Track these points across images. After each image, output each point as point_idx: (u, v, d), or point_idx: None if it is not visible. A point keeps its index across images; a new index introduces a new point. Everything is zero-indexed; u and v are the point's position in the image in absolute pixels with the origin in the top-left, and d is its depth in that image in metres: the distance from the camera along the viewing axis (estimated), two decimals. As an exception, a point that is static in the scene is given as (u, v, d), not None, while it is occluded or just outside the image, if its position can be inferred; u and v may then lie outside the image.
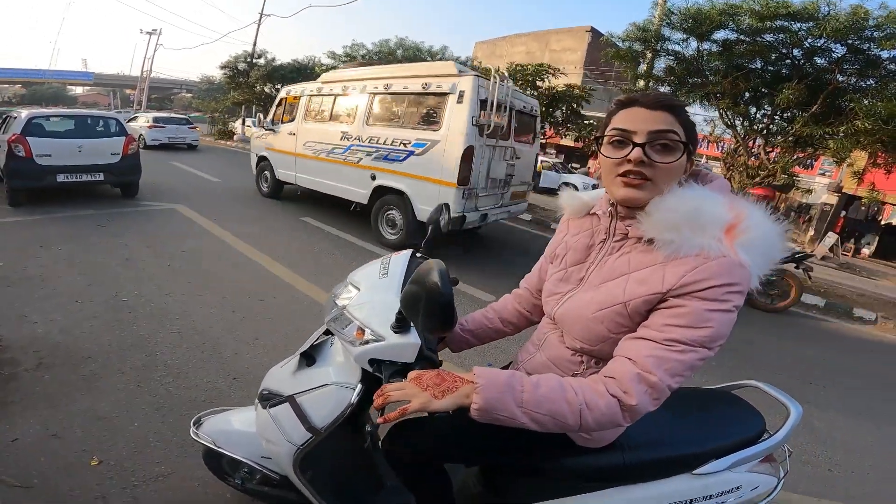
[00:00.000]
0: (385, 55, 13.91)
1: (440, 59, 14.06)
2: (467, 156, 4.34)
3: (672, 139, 0.85)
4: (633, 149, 0.85)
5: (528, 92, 9.64)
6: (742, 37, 6.85)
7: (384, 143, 5.06)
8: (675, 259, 0.83)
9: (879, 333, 5.56)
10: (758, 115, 7.92)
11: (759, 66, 7.17)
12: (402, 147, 4.88)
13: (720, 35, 7.06)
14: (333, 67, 15.43)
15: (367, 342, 1.03)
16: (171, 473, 1.82)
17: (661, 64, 8.26)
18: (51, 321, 2.88)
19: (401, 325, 1.01)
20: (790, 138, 7.26)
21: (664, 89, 8.35)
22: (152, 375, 2.44)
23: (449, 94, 4.44)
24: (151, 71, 33.77)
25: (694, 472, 1.09)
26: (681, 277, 0.81)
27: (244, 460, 1.38)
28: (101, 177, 6.32)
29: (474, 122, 4.32)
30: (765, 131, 7.72)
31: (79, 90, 60.41)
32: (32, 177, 5.78)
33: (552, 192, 16.42)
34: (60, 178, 5.95)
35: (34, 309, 3.00)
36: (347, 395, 1.08)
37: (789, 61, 6.91)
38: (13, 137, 5.71)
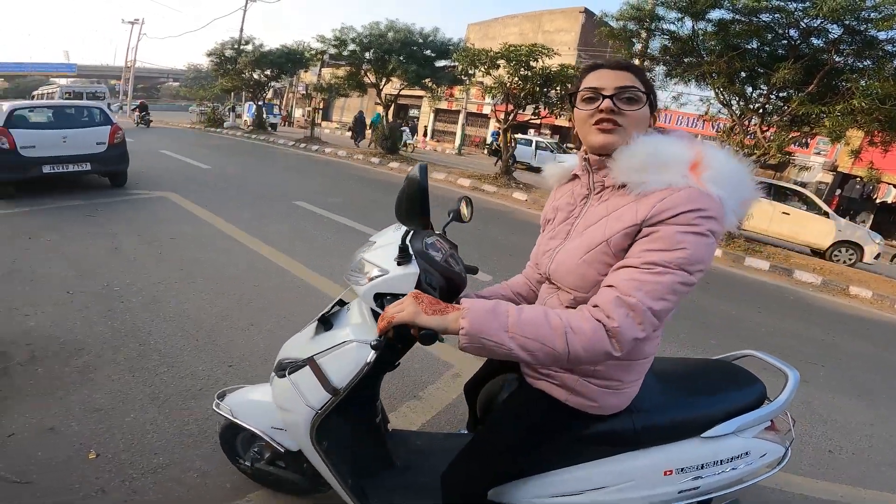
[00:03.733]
0: (376, 38, 13.58)
1: (431, 41, 13.77)
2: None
3: (635, 92, 0.96)
4: (603, 100, 0.95)
5: (521, 72, 9.51)
6: (738, 16, 6.83)
7: None
8: (645, 195, 0.90)
9: (876, 311, 5.60)
10: (754, 95, 7.88)
11: (755, 45, 7.15)
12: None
13: (716, 15, 7.05)
14: (324, 52, 15.13)
15: (373, 278, 1.10)
16: (170, 464, 1.80)
17: (655, 43, 8.22)
18: (42, 313, 2.83)
19: (403, 257, 1.07)
20: (786, 117, 7.26)
21: (659, 68, 8.34)
22: (146, 365, 2.40)
23: None
24: (136, 61, 33.27)
25: (702, 435, 1.12)
26: (652, 207, 0.87)
27: (256, 431, 1.40)
28: (87, 167, 6.24)
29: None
30: (761, 110, 7.70)
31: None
32: (17, 169, 5.71)
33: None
34: (46, 169, 5.86)
35: (25, 301, 2.95)
36: (366, 352, 1.11)
37: (786, 41, 6.89)
38: (-5, 130, 5.60)
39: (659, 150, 0.91)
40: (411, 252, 1.08)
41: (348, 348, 1.17)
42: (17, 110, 5.97)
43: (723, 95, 7.78)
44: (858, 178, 11.24)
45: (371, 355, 1.07)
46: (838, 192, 14.63)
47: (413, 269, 1.07)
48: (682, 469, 1.11)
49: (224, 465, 1.77)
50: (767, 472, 1.21)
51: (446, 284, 1.13)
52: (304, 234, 5.05)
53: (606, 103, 0.95)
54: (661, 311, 0.84)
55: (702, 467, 1.12)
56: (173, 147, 12.00)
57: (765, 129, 7.66)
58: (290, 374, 1.25)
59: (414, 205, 1.03)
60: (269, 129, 20.93)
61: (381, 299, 1.07)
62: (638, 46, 8.36)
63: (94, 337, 2.62)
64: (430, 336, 0.86)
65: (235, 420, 1.44)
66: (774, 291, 5.59)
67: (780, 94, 7.61)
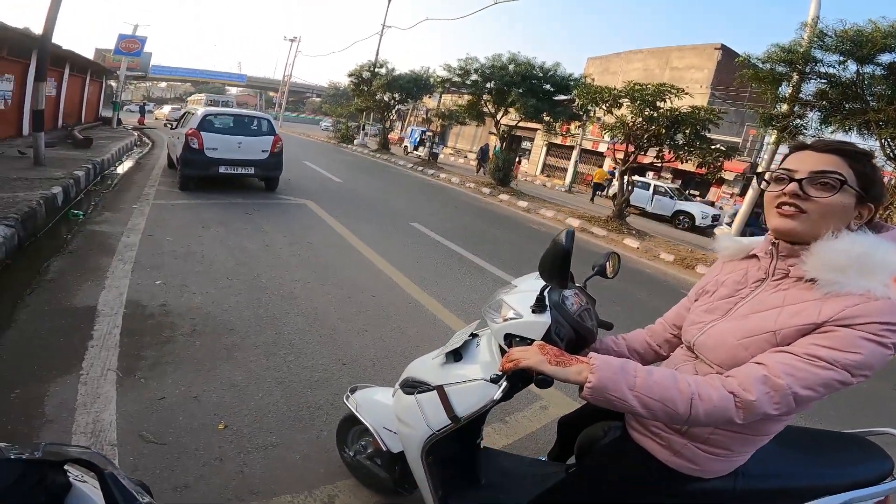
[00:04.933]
0: (497, 70, 14.09)
1: (551, 76, 13.94)
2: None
3: (833, 178, 0.87)
4: (790, 183, 0.91)
5: (646, 112, 9.15)
6: None
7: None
8: (835, 296, 0.84)
9: None
10: (929, 149, 6.68)
11: (932, 92, 6.11)
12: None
13: (886, 58, 6.23)
14: (449, 80, 16.08)
15: (508, 320, 1.19)
16: (280, 444, 1.99)
17: (810, 87, 7.43)
18: (206, 293, 3.38)
19: (539, 306, 1.15)
20: (969, 177, 6.07)
21: (812, 114, 7.50)
22: (278, 352, 2.74)
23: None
24: (291, 76, 37.94)
25: None
26: (840, 311, 0.82)
27: (370, 427, 1.58)
28: (252, 170, 7.23)
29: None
30: (935, 168, 6.51)
31: (233, 90, 69.51)
32: (202, 167, 6.83)
33: (663, 219, 15.35)
34: (222, 169, 6.95)
35: (194, 281, 3.57)
36: (493, 390, 1.16)
37: None
38: (190, 131, 6.79)
39: (870, 253, 0.83)
40: (547, 303, 1.16)
41: (477, 385, 1.26)
42: (207, 115, 7.11)
43: (890, 147, 6.73)
44: None
45: (498, 393, 1.10)
46: None
47: (545, 319, 1.14)
48: None
49: (322, 452, 1.98)
50: None
51: (575, 336, 1.19)
52: (418, 254, 5.34)
53: (791, 186, 0.90)
54: (805, 398, 0.82)
55: None
56: (312, 159, 13.62)
57: (939, 188, 6.45)
58: (418, 394, 1.37)
59: (555, 267, 1.09)
60: (431, 159, 19.38)
61: (511, 339, 1.16)
62: (787, 90, 7.61)
63: (242, 321, 3.05)
64: (548, 382, 0.94)
65: (357, 413, 1.63)
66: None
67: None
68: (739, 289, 1.04)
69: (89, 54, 20.59)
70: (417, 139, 22.78)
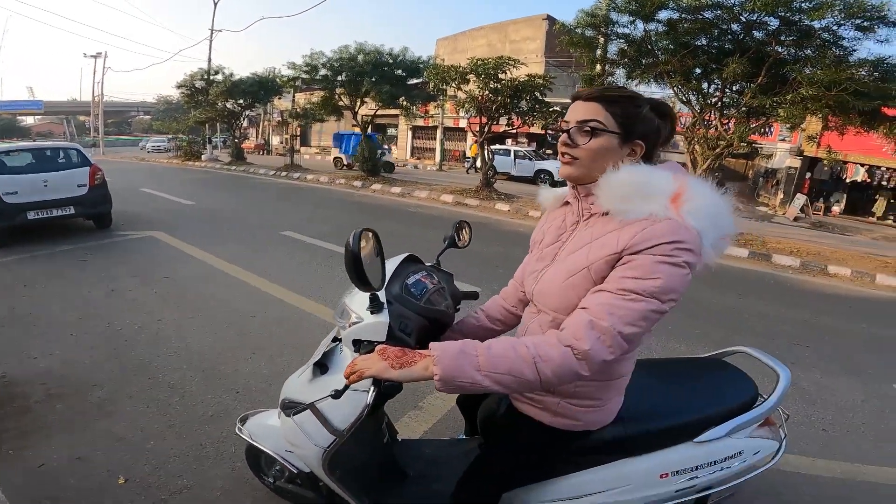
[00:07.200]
0: (346, 61, 13.79)
1: (401, 60, 14.05)
2: None
3: (592, 126, 0.96)
4: (562, 134, 1.00)
5: (491, 84, 9.81)
6: (684, 15, 7.07)
7: None
8: (628, 224, 0.91)
9: (856, 288, 5.78)
10: (710, 90, 8.23)
11: (704, 42, 7.40)
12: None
13: (664, 15, 7.26)
14: (296, 78, 15.29)
15: (353, 324, 1.15)
16: (194, 485, 1.92)
17: (613, 48, 8.46)
18: (51, 355, 2.94)
19: (374, 306, 1.10)
20: (743, 109, 7.56)
21: (619, 72, 8.61)
22: (159, 396, 2.53)
23: None
24: (103, 95, 32.75)
25: (695, 439, 1.17)
26: (633, 237, 0.89)
27: (271, 454, 1.50)
28: (71, 210, 6.10)
29: None
30: (718, 104, 8.01)
31: (30, 120, 57.32)
32: (1, 217, 5.60)
33: (528, 180, 16.72)
34: (31, 215, 5.77)
35: (31, 346, 3.06)
36: (363, 397, 1.11)
37: (731, 36, 7.17)
38: (-26, 177, 5.49)
39: (643, 180, 0.92)
40: (381, 300, 1.11)
41: (346, 395, 1.15)
42: None
43: (681, 93, 8.13)
44: (824, 161, 11.84)
45: (370, 396, 1.04)
46: (808, 175, 15.11)
47: (384, 318, 1.09)
48: (677, 472, 1.16)
49: (242, 483, 1.92)
50: (763, 466, 1.25)
51: (429, 323, 1.17)
52: (295, 263, 5.13)
53: (563, 137, 0.99)
54: (631, 335, 0.87)
55: (696, 468, 1.16)
56: (153, 184, 12.00)
57: (725, 122, 7.99)
58: (294, 415, 1.28)
59: (352, 273, 1.00)
60: (385, 171, 15.57)
61: (359, 345, 1.10)
62: (600, 52, 8.67)
63: (105, 374, 2.74)
64: (396, 387, 0.89)
65: (253, 443, 1.54)
66: (754, 277, 5.72)
67: (734, 88, 7.91)
68: (561, 234, 1.11)
69: None
70: (354, 146, 16.80)
